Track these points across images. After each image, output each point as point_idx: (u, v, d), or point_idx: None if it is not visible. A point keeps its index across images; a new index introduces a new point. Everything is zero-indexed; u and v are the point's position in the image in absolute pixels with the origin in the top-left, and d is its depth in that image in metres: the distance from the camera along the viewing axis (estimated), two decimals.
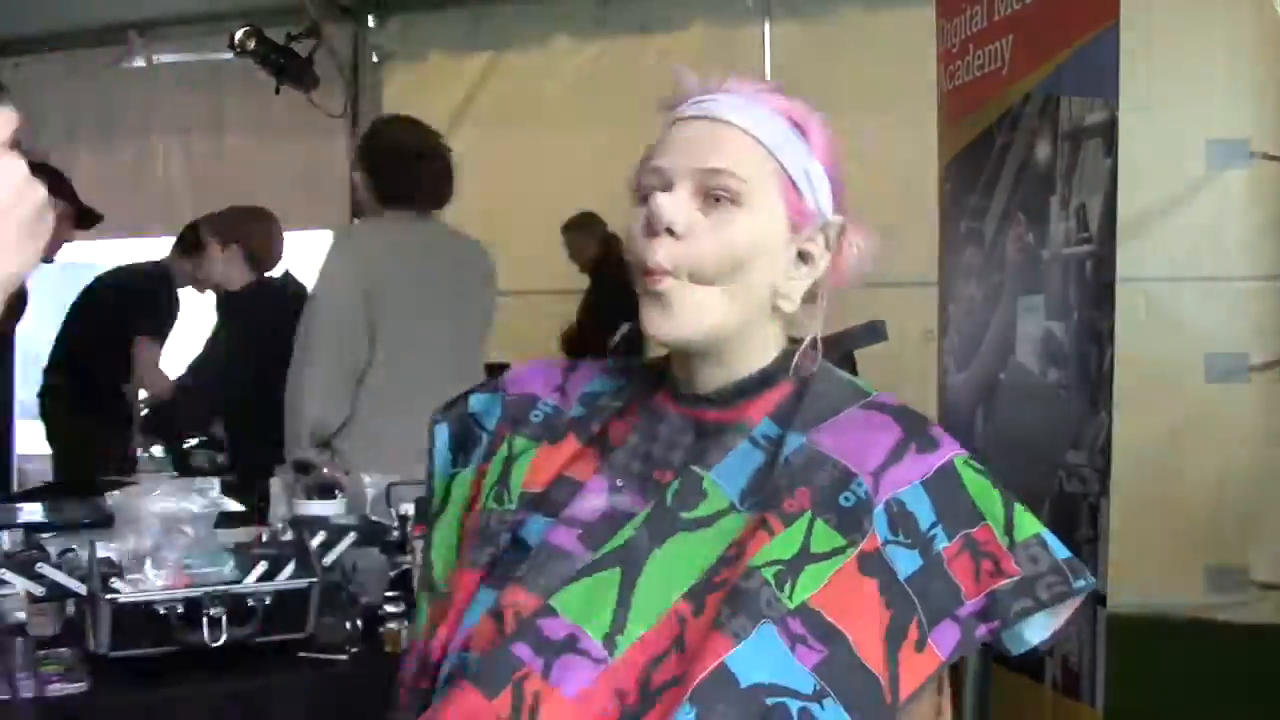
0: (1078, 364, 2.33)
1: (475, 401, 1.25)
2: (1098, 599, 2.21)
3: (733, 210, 1.07)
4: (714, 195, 1.07)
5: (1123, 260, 2.30)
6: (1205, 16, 4.11)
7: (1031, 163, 2.50)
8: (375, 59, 5.69)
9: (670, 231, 1.07)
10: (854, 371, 1.21)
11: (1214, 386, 4.20)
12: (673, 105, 1.14)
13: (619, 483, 1.13)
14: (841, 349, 1.22)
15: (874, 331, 1.22)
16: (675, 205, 1.07)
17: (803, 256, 1.12)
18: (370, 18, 5.66)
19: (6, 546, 2.13)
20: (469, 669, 1.05)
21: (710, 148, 1.09)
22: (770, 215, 1.09)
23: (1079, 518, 2.27)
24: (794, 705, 0.96)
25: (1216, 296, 4.27)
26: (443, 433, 1.25)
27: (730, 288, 1.08)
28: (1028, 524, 1.05)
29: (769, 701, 0.95)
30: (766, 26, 5.22)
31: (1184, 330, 4.22)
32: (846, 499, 1.03)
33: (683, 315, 1.08)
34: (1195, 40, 4.12)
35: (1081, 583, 1.04)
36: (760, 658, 0.96)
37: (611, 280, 5.13)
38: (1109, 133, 2.24)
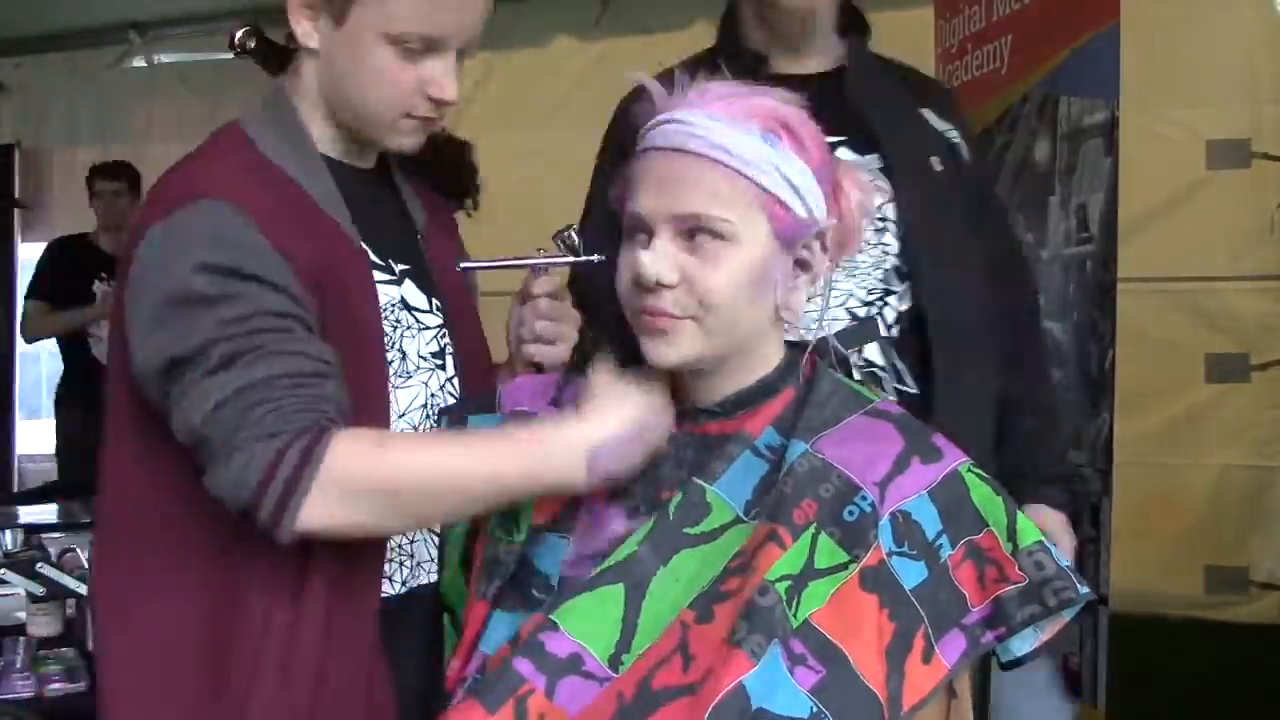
0: (1078, 364, 2.33)
1: (475, 424, 1.24)
2: (1099, 599, 2.21)
3: (720, 247, 1.05)
4: (698, 238, 1.05)
5: (1123, 260, 2.30)
6: (1205, 16, 4.10)
7: (1030, 162, 2.50)
8: None
9: (660, 284, 1.06)
10: (848, 374, 1.20)
11: (1214, 386, 4.19)
12: (642, 123, 1.10)
13: (640, 508, 1.11)
14: (834, 352, 1.20)
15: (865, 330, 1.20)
16: (659, 260, 1.05)
17: (800, 265, 1.10)
18: None
19: (7, 546, 2.13)
20: (473, 685, 1.06)
21: (686, 188, 1.04)
22: (760, 243, 1.06)
23: (1080, 517, 2.27)
24: None
25: (1216, 296, 4.26)
26: None
27: (733, 316, 1.07)
28: (1030, 531, 1.05)
29: None
30: None
31: (1184, 330, 4.22)
32: (850, 512, 1.02)
33: (687, 344, 1.07)
34: (1195, 40, 4.12)
35: (1085, 589, 1.04)
36: (770, 681, 0.96)
37: None
38: (1109, 133, 2.24)
